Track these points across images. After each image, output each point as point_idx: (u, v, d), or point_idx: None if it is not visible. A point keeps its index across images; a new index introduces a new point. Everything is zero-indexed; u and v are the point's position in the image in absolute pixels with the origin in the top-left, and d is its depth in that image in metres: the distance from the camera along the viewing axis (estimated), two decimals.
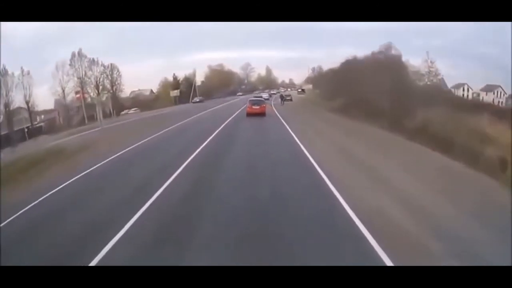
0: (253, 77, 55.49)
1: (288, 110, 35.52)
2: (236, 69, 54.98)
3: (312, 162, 13.58)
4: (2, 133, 32.32)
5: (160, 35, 49.09)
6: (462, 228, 7.64)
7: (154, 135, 22.88)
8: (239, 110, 36.00)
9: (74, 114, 40.38)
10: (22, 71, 35.20)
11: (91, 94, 44.67)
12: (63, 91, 41.35)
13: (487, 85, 30.49)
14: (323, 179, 11.40)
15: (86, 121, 38.51)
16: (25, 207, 10.75)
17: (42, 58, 42.83)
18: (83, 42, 43.82)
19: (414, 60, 31.05)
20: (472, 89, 31.43)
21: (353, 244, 7.06)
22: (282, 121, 26.45)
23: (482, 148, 14.84)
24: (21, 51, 33.64)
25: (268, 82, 55.23)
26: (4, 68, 33.74)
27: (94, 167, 15.20)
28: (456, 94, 31.66)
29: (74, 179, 13.56)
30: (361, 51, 39.98)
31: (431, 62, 30.05)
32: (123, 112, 51.30)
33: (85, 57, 43.16)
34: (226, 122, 27.00)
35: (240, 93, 54.54)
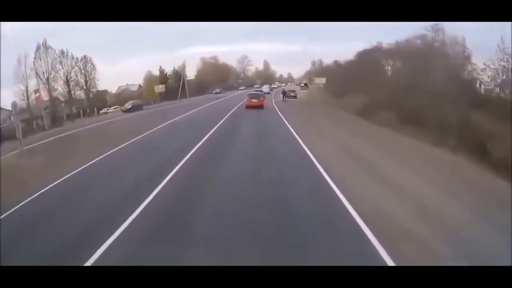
0: (250, 71, 51.60)
1: (295, 110, 29.54)
2: (232, 62, 51.10)
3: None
4: None
5: (151, 29, 44.71)
6: None
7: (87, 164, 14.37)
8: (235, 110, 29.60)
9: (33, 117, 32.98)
10: None
11: (61, 91, 38.24)
12: (26, 89, 34.81)
13: None
14: None
15: (46, 127, 31.15)
16: None
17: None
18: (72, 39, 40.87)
19: None
20: None
21: None
22: (293, 133, 18.42)
23: None
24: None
25: (266, 77, 51.37)
26: None
27: None
28: None
29: None
30: (362, 45, 35.21)
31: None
32: (102, 111, 44.88)
33: (51, 48, 36.66)
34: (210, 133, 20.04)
35: (243, 87, 49.75)
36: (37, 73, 34.76)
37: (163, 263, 5.16)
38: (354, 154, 13.36)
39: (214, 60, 51.90)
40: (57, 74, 37.16)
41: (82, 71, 38.88)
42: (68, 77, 37.81)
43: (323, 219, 7.52)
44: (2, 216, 8.94)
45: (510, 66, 18.46)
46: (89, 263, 6.20)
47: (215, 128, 20.54)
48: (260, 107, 29.65)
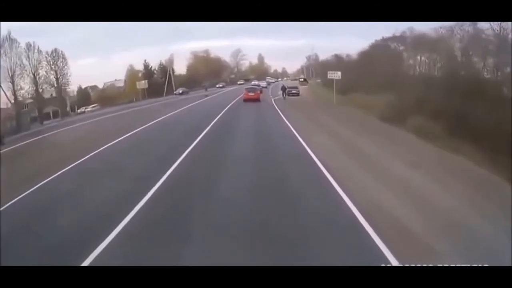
0: (244, 65, 47.89)
1: (301, 111, 24.61)
2: (225, 57, 47.18)
3: None
4: None
5: (143, 23, 37.94)
6: None
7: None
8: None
9: None
10: None
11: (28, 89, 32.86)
12: None
13: None
14: None
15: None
16: None
17: None
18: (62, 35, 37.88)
19: None
20: None
21: None
22: (310, 153, 12.50)
23: None
24: None
25: (260, 71, 48.27)
26: None
27: None
28: None
29: None
30: (361, 41, 34.17)
31: None
32: (80, 110, 39.57)
33: (16, 41, 31.17)
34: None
35: (242, 82, 45.73)
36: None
37: (163, 263, 4.99)
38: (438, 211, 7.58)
39: (205, 54, 47.53)
40: (24, 71, 31.97)
41: (53, 66, 33.61)
42: (35, 73, 32.44)
43: None
44: None
45: None
46: None
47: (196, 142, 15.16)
48: (257, 100, 30.78)
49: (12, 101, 31.20)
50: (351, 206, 7.57)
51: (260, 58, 47.57)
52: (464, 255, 5.45)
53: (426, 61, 21.93)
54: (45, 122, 32.63)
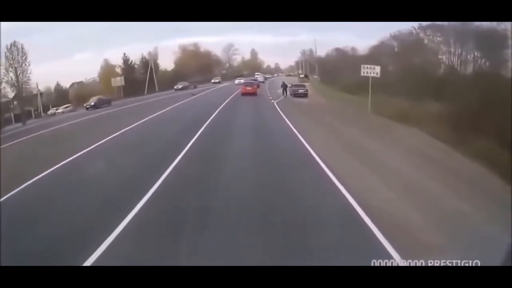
0: (236, 60, 44.41)
1: (320, 121, 19.33)
2: (216, 51, 43.57)
3: None
4: None
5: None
6: None
7: None
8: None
9: None
10: None
11: None
12: None
13: None
14: None
15: None
16: None
17: None
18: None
19: None
20: None
21: None
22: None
23: None
24: None
25: (253, 67, 44.93)
26: None
27: None
28: None
29: None
30: (357, 38, 33.53)
31: None
32: (50, 112, 33.95)
33: None
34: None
35: (241, 79, 39.84)
36: None
37: (162, 263, 4.75)
38: None
39: (195, 48, 43.35)
40: None
41: (11, 61, 28.08)
42: None
43: None
44: None
45: None
46: None
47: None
48: (254, 94, 30.96)
49: None
50: None
51: (253, 53, 44.25)
52: None
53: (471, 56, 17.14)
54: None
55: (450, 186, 8.30)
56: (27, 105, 32.01)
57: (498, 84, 12.03)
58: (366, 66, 21.70)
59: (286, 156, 11.90)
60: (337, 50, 37.07)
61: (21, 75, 28.74)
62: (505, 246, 4.76)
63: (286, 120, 19.05)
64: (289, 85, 31.21)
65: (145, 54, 39.52)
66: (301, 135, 14.70)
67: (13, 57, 28.34)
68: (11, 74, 28.56)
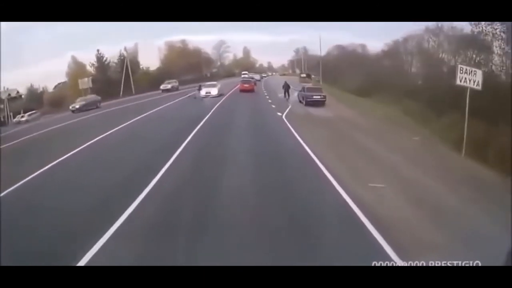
0: (228, 59, 41.37)
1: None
2: (206, 49, 40.16)
3: None
4: None
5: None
6: None
7: None
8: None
9: None
10: None
11: None
12: None
13: None
14: None
15: None
16: None
17: None
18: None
19: None
20: None
21: None
22: None
23: None
24: None
25: (246, 65, 41.87)
26: None
27: None
28: None
29: None
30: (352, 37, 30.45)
31: None
32: (16, 119, 28.74)
33: None
34: None
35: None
36: None
37: (162, 263, 4.75)
38: None
39: (182, 45, 39.32)
40: None
41: None
42: None
43: None
44: None
45: None
46: None
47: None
48: (251, 90, 30.72)
49: None
50: None
51: (246, 51, 41.22)
52: None
53: None
54: None
55: None
56: None
57: None
58: (464, 68, 12.76)
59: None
60: (339, 47, 33.83)
61: None
62: (506, 246, 4.61)
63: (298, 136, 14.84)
64: (293, 88, 26.32)
65: (124, 51, 34.71)
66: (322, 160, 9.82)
67: None
68: None
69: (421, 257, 4.93)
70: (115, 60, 34.23)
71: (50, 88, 32.77)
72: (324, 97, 22.78)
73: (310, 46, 36.20)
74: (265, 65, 42.95)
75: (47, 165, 11.59)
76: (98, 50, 32.76)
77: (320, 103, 22.44)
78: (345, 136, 15.08)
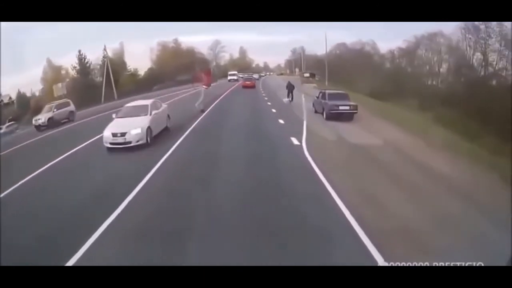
0: (223, 59, 39.55)
1: None
2: (201, 49, 38.45)
3: None
4: None
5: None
6: None
7: None
8: None
9: None
10: None
11: None
12: None
13: None
14: None
15: None
16: None
17: None
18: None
19: None
20: None
21: None
22: None
23: None
24: None
25: (243, 65, 40.70)
26: None
27: None
28: None
29: None
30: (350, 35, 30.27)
31: None
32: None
33: None
34: None
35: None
36: None
37: (162, 263, 4.75)
38: None
39: (175, 45, 37.64)
40: None
41: None
42: None
43: None
44: None
45: None
46: None
47: None
48: (252, 87, 30.83)
49: None
50: None
51: (242, 51, 40.08)
52: None
53: None
54: None
55: None
56: None
57: None
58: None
59: None
60: (343, 46, 31.69)
61: None
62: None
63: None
64: (295, 86, 22.18)
65: (108, 52, 31.28)
66: None
67: None
68: None
69: (426, 258, 4.53)
70: (100, 62, 30.94)
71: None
72: (355, 107, 15.75)
73: (308, 46, 34.88)
74: (261, 65, 41.91)
75: None
76: (79, 51, 29.52)
77: (348, 117, 15.80)
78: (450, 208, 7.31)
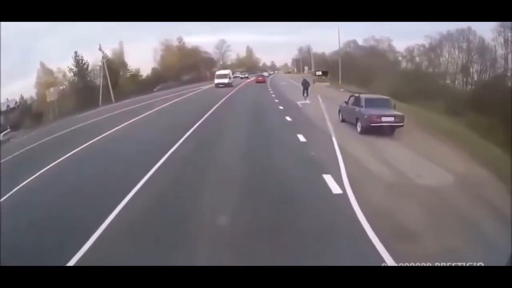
0: (230, 58, 38.88)
1: None
2: (208, 48, 37.97)
3: None
4: None
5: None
6: None
7: None
8: None
9: None
10: None
11: None
12: None
13: None
14: None
15: None
16: None
17: None
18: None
19: None
20: None
21: None
22: None
23: None
24: None
25: (250, 64, 40.68)
26: None
27: None
28: None
29: None
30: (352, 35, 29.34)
31: None
32: None
33: None
34: None
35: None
36: None
37: (161, 263, 4.55)
38: None
39: (180, 43, 36.60)
40: None
41: None
42: None
43: None
44: None
45: None
46: None
47: None
48: (263, 82, 33.13)
49: None
50: None
51: (249, 51, 39.89)
52: None
53: None
54: None
55: None
56: None
57: None
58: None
59: None
60: (355, 43, 30.47)
61: None
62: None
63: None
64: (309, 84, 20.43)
65: (108, 52, 29.59)
66: None
67: None
68: None
69: (426, 258, 4.40)
70: (99, 63, 29.22)
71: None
72: (401, 119, 11.69)
73: (315, 44, 34.73)
74: (268, 63, 42.00)
75: None
76: (75, 53, 27.74)
77: (391, 130, 11.89)
78: None
